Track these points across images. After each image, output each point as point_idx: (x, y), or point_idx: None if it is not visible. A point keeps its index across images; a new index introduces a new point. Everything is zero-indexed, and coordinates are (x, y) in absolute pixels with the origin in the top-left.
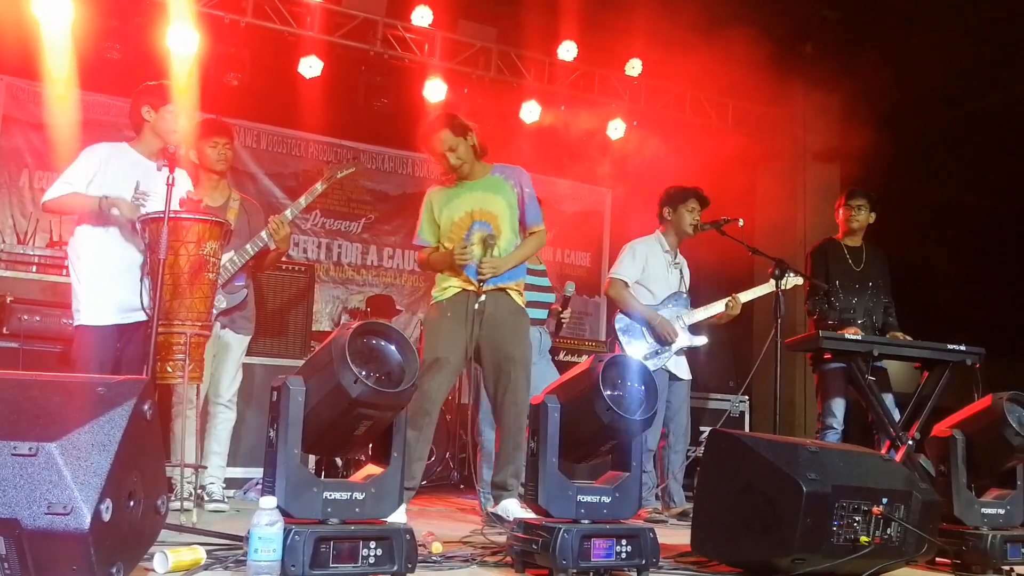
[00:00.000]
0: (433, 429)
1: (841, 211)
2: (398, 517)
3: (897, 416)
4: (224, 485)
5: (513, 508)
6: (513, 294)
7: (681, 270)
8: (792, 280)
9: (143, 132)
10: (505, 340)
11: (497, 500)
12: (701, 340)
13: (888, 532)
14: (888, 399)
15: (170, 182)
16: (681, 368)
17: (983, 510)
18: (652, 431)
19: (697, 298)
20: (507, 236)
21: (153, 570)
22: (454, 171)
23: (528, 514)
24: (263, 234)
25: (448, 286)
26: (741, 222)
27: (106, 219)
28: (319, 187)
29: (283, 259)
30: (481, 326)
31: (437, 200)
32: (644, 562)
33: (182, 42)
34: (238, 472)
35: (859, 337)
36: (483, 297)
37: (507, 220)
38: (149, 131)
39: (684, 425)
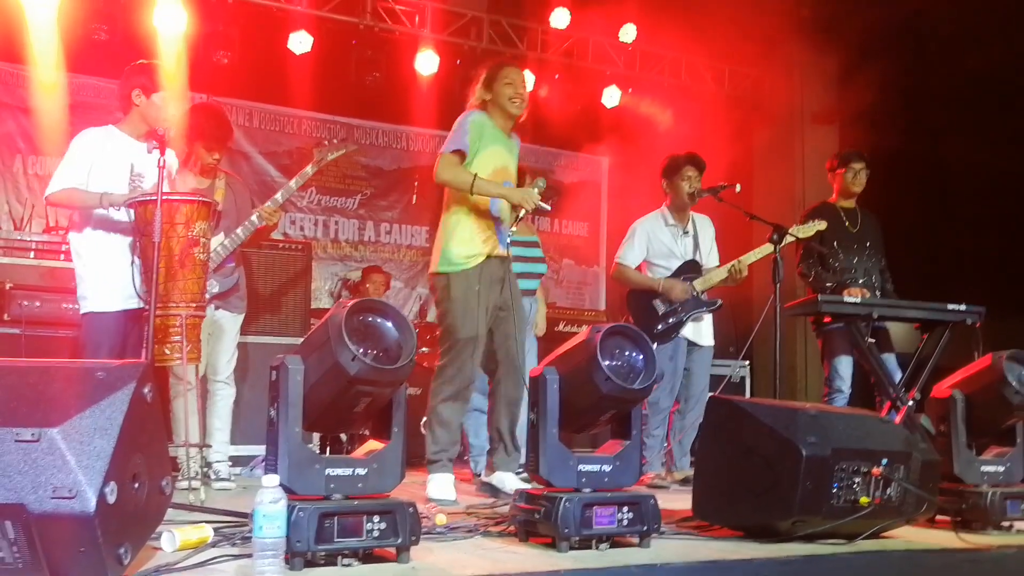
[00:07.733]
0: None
1: (840, 174)
2: None
3: (899, 376)
4: (230, 463)
5: (509, 480)
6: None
7: (695, 236)
8: (795, 234)
9: (131, 114)
10: (519, 316)
11: (494, 469)
12: (714, 304)
13: (888, 492)
14: (890, 359)
15: (161, 164)
16: (699, 334)
17: (983, 468)
18: (666, 395)
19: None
20: None
21: (161, 549)
22: (520, 108)
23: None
24: (254, 218)
25: (474, 254)
26: (738, 187)
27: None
28: (309, 170)
29: (281, 237)
30: (505, 296)
31: (489, 131)
32: (646, 528)
33: (170, 21)
34: (243, 450)
35: (858, 300)
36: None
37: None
38: (137, 114)
39: (699, 392)
